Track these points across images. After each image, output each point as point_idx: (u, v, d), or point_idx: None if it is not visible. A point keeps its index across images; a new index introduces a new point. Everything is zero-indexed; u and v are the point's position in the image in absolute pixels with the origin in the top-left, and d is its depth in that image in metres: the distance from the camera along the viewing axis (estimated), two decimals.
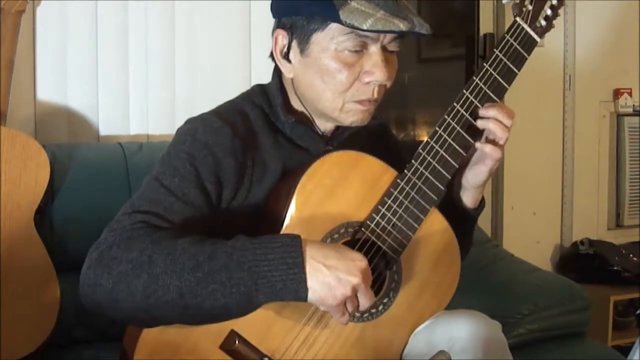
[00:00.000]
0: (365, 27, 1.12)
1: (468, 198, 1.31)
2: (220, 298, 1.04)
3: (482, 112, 1.23)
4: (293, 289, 1.04)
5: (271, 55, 1.27)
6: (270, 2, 1.27)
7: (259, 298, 1.04)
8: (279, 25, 1.23)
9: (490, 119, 1.22)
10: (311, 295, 1.05)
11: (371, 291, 1.10)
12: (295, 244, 1.05)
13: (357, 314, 1.18)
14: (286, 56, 1.23)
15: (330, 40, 1.17)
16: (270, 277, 1.03)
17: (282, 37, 1.22)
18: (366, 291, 1.09)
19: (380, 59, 1.18)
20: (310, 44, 1.19)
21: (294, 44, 1.21)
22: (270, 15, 1.27)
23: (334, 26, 1.16)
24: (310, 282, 1.04)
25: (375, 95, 1.22)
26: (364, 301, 1.10)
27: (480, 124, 1.23)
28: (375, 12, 1.13)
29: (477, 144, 1.24)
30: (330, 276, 1.05)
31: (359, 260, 1.08)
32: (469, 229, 1.37)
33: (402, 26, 1.13)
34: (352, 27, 1.13)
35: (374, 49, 1.19)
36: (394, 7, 1.15)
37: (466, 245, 1.39)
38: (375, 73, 1.18)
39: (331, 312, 1.09)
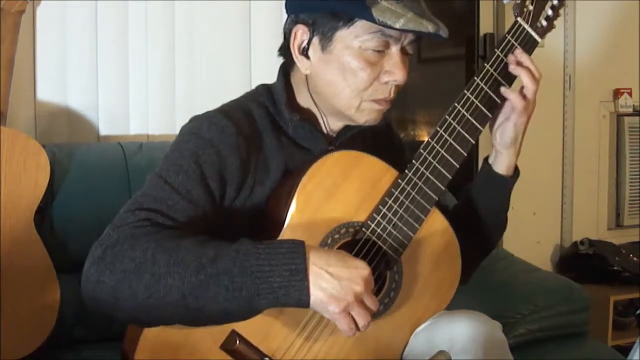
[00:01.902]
0: (398, 27, 1.13)
1: (501, 163, 1.31)
2: (221, 301, 1.03)
3: (517, 55, 1.24)
4: (295, 295, 1.04)
5: (280, 52, 1.27)
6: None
7: (260, 303, 1.04)
8: (298, 20, 1.22)
9: (523, 67, 1.23)
10: (313, 302, 1.05)
11: (374, 298, 1.09)
12: (298, 250, 1.05)
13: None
14: (304, 52, 1.22)
15: (354, 38, 1.18)
16: (272, 283, 1.03)
17: (302, 33, 1.22)
18: (370, 299, 1.08)
19: (400, 60, 1.20)
20: (334, 40, 1.19)
21: (315, 40, 1.21)
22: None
23: (359, 24, 1.17)
24: (313, 289, 1.04)
25: (392, 95, 1.23)
26: (372, 307, 1.09)
27: (512, 68, 1.23)
28: (405, 12, 1.15)
29: (502, 89, 1.24)
30: (333, 283, 1.05)
31: (362, 269, 1.07)
32: (504, 199, 1.35)
33: (430, 28, 1.15)
34: (385, 25, 1.14)
35: (395, 50, 1.20)
36: (420, 9, 1.17)
37: (502, 222, 1.39)
38: (396, 73, 1.20)
39: (336, 323, 1.08)
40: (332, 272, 1.05)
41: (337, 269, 1.05)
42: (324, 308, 1.06)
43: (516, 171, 1.35)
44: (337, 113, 1.26)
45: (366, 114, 1.23)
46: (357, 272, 1.06)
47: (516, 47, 1.25)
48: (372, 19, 1.14)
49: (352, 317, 1.07)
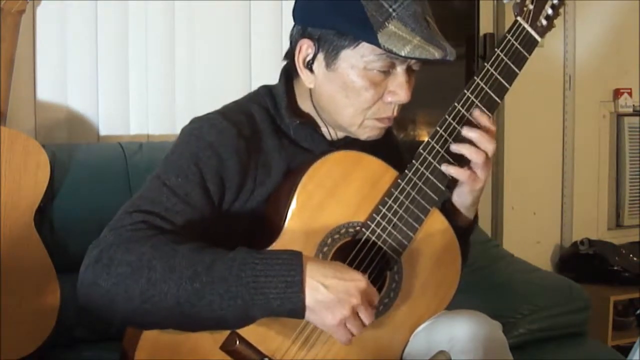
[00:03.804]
0: (403, 54, 1.12)
1: (460, 218, 1.30)
2: (216, 309, 1.03)
3: (476, 116, 1.22)
4: (290, 307, 1.04)
5: (286, 57, 1.27)
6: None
7: (255, 312, 1.04)
8: (304, 34, 1.21)
9: (465, 144, 1.21)
10: (308, 314, 1.05)
11: (370, 310, 1.08)
12: (295, 262, 1.05)
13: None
14: (309, 66, 1.22)
15: (360, 58, 1.17)
16: (267, 294, 1.03)
17: (307, 47, 1.21)
18: (366, 312, 1.08)
19: (405, 80, 1.19)
20: (339, 59, 1.18)
21: (320, 56, 1.20)
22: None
23: (365, 45, 1.15)
24: (309, 301, 1.04)
25: (395, 114, 1.23)
26: (365, 320, 1.09)
27: (453, 147, 1.21)
28: (412, 37, 1.13)
29: (443, 167, 1.21)
30: (329, 296, 1.04)
31: (359, 281, 1.07)
32: (461, 244, 1.32)
33: (437, 54, 1.14)
34: (391, 52, 1.13)
35: (400, 70, 1.19)
36: (428, 33, 1.15)
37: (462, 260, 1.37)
38: (400, 94, 1.19)
39: (332, 334, 1.08)
40: (329, 284, 1.05)
41: (333, 281, 1.05)
42: (320, 320, 1.06)
43: (474, 221, 1.33)
44: (339, 127, 1.25)
45: (368, 131, 1.23)
46: (353, 284, 1.06)
47: (477, 105, 1.22)
48: (377, 44, 1.13)
49: (347, 328, 1.07)
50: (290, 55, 1.25)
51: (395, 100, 1.20)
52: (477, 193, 1.26)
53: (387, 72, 1.18)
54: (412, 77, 1.22)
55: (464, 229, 1.31)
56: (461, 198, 1.27)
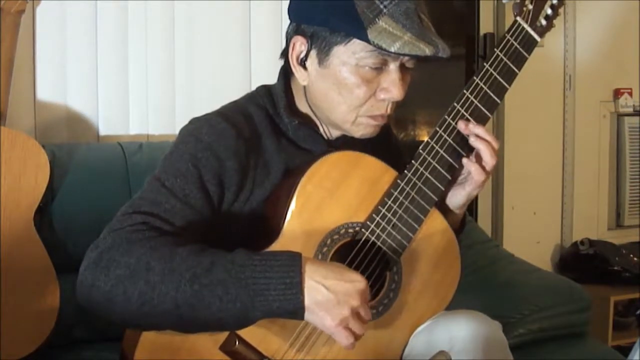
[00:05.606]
0: (393, 50, 1.12)
1: (449, 217, 1.30)
2: (215, 312, 1.03)
3: (471, 128, 1.22)
4: (290, 308, 1.04)
5: (282, 55, 1.27)
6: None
7: (255, 314, 1.04)
8: (297, 31, 1.21)
9: (482, 140, 1.21)
10: (308, 316, 1.05)
11: (368, 309, 1.09)
12: (294, 263, 1.05)
13: None
14: (302, 63, 1.22)
15: (351, 55, 1.17)
16: (267, 296, 1.03)
17: (301, 44, 1.21)
18: (364, 310, 1.08)
19: (398, 77, 1.19)
20: (331, 56, 1.18)
21: (313, 53, 1.20)
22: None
23: (357, 41, 1.15)
24: (308, 302, 1.04)
25: (389, 111, 1.22)
26: (365, 317, 1.09)
27: (472, 141, 1.22)
28: (403, 34, 1.13)
29: (464, 160, 1.22)
30: (328, 297, 1.04)
31: (358, 282, 1.07)
32: None
33: (428, 51, 1.13)
34: (380, 48, 1.13)
35: (393, 67, 1.19)
36: (420, 30, 1.15)
37: None
38: (392, 91, 1.19)
39: (334, 337, 1.08)
40: (329, 285, 1.05)
41: (333, 282, 1.05)
42: (320, 322, 1.06)
43: (462, 225, 1.34)
44: (333, 124, 1.26)
45: (362, 129, 1.23)
46: (352, 285, 1.06)
47: (468, 119, 1.22)
48: (367, 40, 1.13)
49: (349, 329, 1.07)
50: (285, 54, 1.26)
51: (388, 98, 1.20)
52: (473, 196, 1.27)
53: (379, 69, 1.18)
54: (407, 75, 1.22)
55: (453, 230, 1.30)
56: (455, 198, 1.27)
